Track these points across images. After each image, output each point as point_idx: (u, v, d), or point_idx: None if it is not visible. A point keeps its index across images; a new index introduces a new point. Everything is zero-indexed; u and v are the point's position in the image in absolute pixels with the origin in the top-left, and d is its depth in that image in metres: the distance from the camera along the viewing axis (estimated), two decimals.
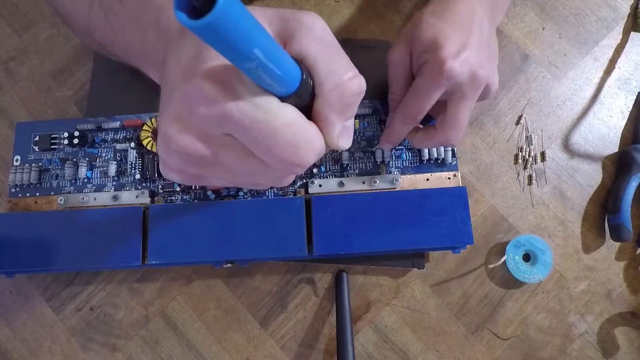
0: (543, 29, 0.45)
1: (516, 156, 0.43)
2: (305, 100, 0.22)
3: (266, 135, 0.20)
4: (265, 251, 0.37)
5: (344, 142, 0.24)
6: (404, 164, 0.40)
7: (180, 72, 0.22)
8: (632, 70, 0.45)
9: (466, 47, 0.31)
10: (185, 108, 0.21)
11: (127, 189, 0.40)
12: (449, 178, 0.40)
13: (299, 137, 0.21)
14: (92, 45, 0.41)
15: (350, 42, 0.45)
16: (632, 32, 0.45)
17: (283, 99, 0.21)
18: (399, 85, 0.35)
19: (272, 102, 0.20)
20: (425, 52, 0.32)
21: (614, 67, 0.45)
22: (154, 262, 0.36)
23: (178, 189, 0.40)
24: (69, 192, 0.40)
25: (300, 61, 0.22)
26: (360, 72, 0.43)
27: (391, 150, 0.40)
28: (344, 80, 0.22)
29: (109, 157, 0.41)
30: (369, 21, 0.46)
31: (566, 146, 0.43)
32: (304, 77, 0.21)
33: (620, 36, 0.45)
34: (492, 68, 0.33)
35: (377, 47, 0.45)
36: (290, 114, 0.21)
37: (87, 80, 0.45)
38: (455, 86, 0.31)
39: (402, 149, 0.40)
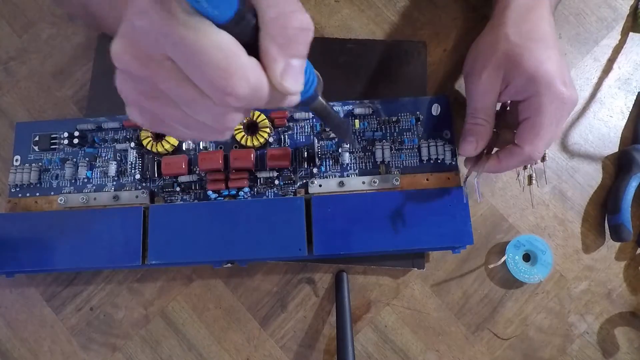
0: None
1: None
2: (248, 35, 0.22)
3: (196, 55, 0.20)
4: (265, 251, 0.37)
5: (289, 81, 0.22)
6: (404, 164, 0.40)
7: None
8: (632, 70, 0.45)
9: (562, 67, 0.33)
10: (127, 24, 0.22)
11: (127, 189, 0.40)
12: (449, 178, 0.40)
13: (231, 62, 0.20)
14: (86, 20, 0.41)
15: (350, 42, 0.45)
16: (631, 33, 0.45)
17: (220, 26, 0.21)
18: (489, 113, 0.36)
19: (205, 24, 0.20)
20: (531, 83, 0.33)
21: (613, 67, 0.45)
22: (154, 262, 0.36)
23: (178, 189, 0.40)
24: (69, 192, 0.40)
25: None
26: (360, 71, 0.44)
27: (391, 150, 0.40)
28: (286, 11, 0.22)
29: (109, 157, 0.41)
30: (369, 21, 0.46)
31: (566, 146, 0.43)
32: (242, 6, 0.21)
33: (620, 36, 0.45)
34: None
35: (376, 47, 0.45)
36: (223, 38, 0.20)
37: (87, 80, 0.45)
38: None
39: (402, 149, 0.40)
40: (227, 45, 0.20)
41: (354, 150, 0.40)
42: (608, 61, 0.45)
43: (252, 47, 0.21)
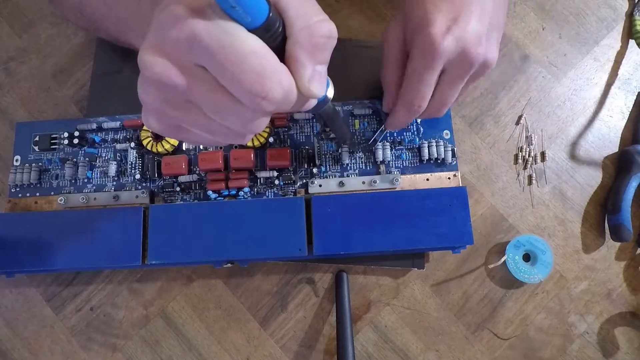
0: (543, 29, 0.45)
1: (516, 156, 0.43)
2: (277, 40, 0.22)
3: (232, 60, 0.20)
4: (265, 251, 0.37)
5: (315, 86, 0.23)
6: (404, 164, 0.40)
7: (159, 9, 0.23)
8: (632, 70, 0.45)
9: (458, 22, 0.30)
10: (159, 34, 0.22)
11: (127, 189, 0.40)
12: (449, 178, 0.40)
13: (265, 66, 0.21)
14: (81, 23, 0.41)
15: (350, 42, 0.45)
16: (630, 29, 0.45)
17: (251, 31, 0.21)
18: (393, 66, 0.34)
19: (239, 29, 0.21)
20: (416, 31, 0.31)
21: (614, 67, 0.45)
22: (154, 262, 0.36)
23: (178, 189, 0.40)
24: (69, 192, 0.40)
25: (273, 4, 0.22)
26: (360, 71, 0.44)
27: (391, 150, 0.40)
28: (313, 21, 0.22)
29: (109, 157, 0.41)
30: (369, 21, 0.46)
31: (566, 146, 0.43)
32: (272, 14, 0.22)
33: (620, 36, 0.45)
34: (490, 44, 0.31)
35: (376, 47, 0.45)
36: (256, 43, 0.21)
37: (87, 80, 0.45)
38: (445, 65, 0.31)
39: (402, 149, 0.40)
40: (261, 49, 0.21)
41: (354, 150, 0.40)
42: (608, 61, 0.45)
43: (277, 53, 0.22)
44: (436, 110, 0.34)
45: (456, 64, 0.31)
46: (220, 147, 0.40)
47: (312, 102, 0.26)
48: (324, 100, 0.28)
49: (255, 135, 0.39)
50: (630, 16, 0.45)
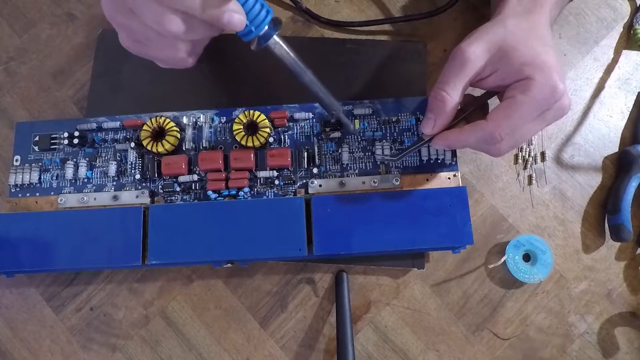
0: None
1: (516, 156, 0.43)
2: None
3: None
4: (265, 251, 0.37)
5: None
6: (404, 164, 0.40)
7: None
8: (632, 70, 0.45)
9: (562, 70, 0.32)
10: None
11: (127, 189, 0.40)
12: (449, 178, 0.40)
13: None
14: None
15: (350, 42, 0.45)
16: (628, 39, 0.45)
17: None
18: (457, 87, 0.33)
19: None
20: (526, 67, 0.31)
21: (614, 67, 0.45)
22: (154, 262, 0.36)
23: (178, 189, 0.40)
24: (69, 192, 0.40)
25: None
26: (360, 71, 0.44)
27: (391, 150, 0.40)
28: None
29: (109, 157, 0.41)
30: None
31: (566, 146, 0.43)
32: None
33: (620, 36, 0.45)
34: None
35: (376, 47, 0.45)
36: None
37: (87, 80, 0.45)
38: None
39: (402, 149, 0.40)
40: None
41: (353, 132, 0.39)
42: (608, 61, 0.45)
43: None
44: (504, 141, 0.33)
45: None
46: (220, 147, 0.40)
47: (236, 18, 0.26)
48: (265, 34, 0.27)
49: (255, 135, 0.39)
50: (630, 27, 0.45)
